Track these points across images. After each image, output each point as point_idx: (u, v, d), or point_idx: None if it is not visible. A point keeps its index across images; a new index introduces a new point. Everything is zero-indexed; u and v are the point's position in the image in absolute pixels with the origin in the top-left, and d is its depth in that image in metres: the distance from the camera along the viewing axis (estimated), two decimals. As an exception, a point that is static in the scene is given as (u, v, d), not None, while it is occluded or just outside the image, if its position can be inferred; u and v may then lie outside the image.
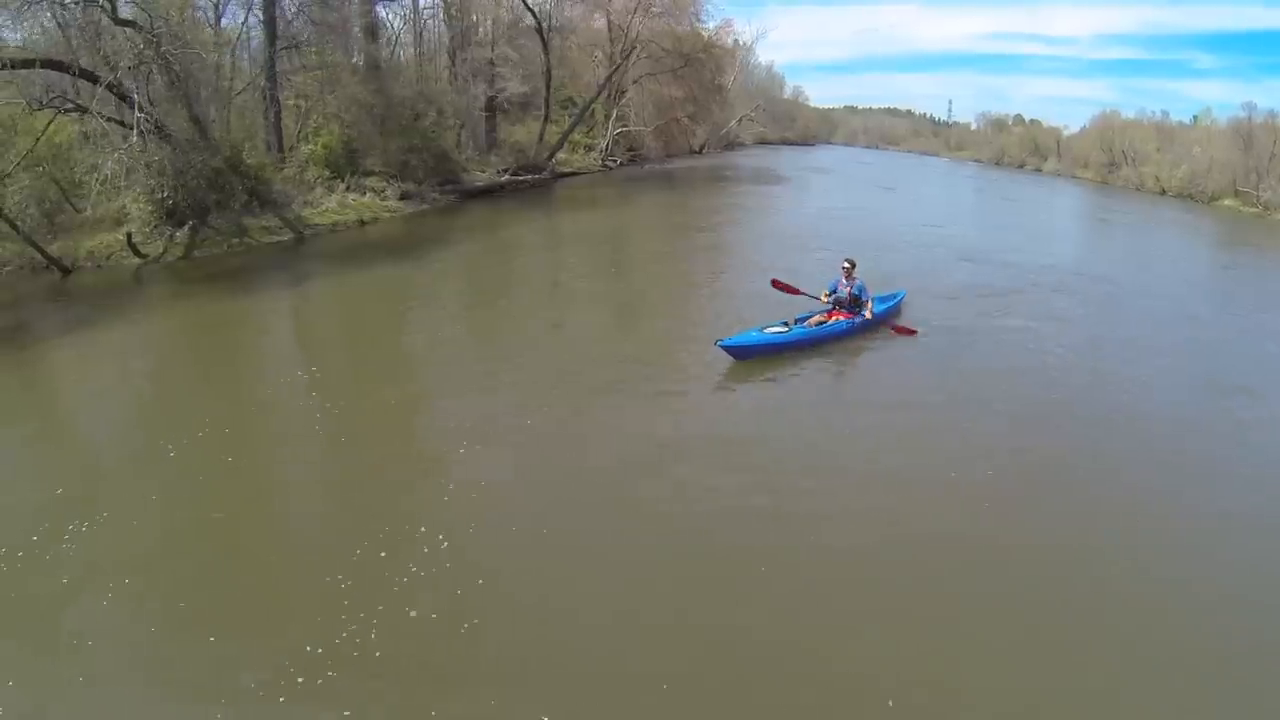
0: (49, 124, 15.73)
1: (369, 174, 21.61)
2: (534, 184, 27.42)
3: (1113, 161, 51.24)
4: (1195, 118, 52.89)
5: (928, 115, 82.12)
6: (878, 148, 75.51)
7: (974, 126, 70.22)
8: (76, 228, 15.96)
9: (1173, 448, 8.30)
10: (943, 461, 7.36)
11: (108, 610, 5.01)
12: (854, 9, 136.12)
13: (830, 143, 77.53)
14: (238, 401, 8.75)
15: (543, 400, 8.46)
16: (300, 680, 4.37)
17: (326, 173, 20.25)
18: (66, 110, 16.08)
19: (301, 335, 12.43)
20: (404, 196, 21.52)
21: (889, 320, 11.55)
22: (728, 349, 9.28)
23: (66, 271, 14.71)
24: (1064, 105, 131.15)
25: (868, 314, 10.94)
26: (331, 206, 19.35)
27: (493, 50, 28.20)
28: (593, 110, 34.05)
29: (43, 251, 14.63)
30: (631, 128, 34.16)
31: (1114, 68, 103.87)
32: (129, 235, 15.63)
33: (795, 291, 11.15)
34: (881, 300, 11.71)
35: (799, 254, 17.74)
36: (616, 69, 31.30)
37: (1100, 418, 8.84)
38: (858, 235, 20.10)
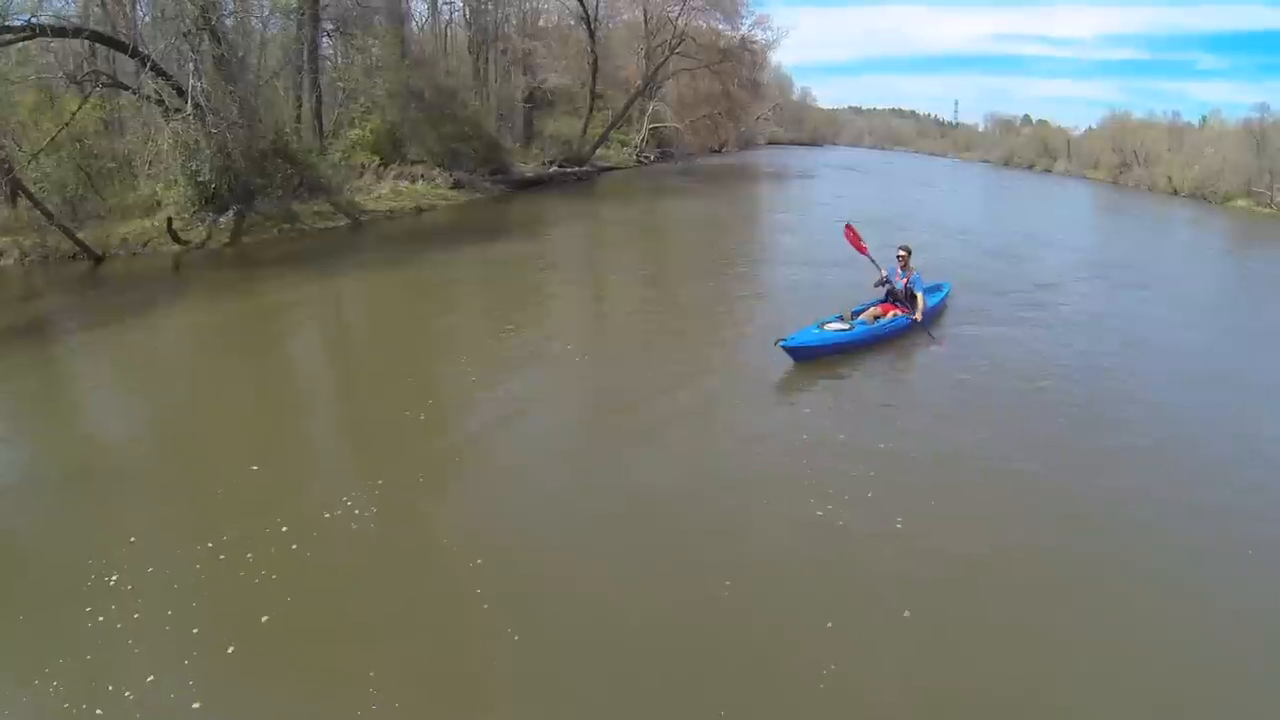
0: (83, 103, 13.82)
1: (417, 161, 19.60)
2: (579, 177, 25.45)
3: (1124, 162, 49.33)
4: (1204, 118, 50.90)
5: (932, 116, 79.78)
6: (884, 148, 73.30)
7: (981, 128, 68.27)
8: (104, 215, 14.13)
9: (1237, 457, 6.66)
10: (1004, 474, 6.02)
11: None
12: (856, 10, 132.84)
13: (836, 144, 75.09)
14: (290, 399, 7.31)
15: (598, 404, 7.24)
16: None
17: (376, 159, 18.24)
18: (105, 85, 14.10)
19: (366, 328, 10.43)
20: (456, 185, 19.57)
21: (932, 323, 9.89)
22: (788, 350, 7.92)
23: (99, 259, 12.94)
24: (1067, 106, 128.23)
25: (917, 315, 9.41)
26: (384, 193, 17.38)
27: (523, 41, 26.21)
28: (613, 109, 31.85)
29: (74, 238, 12.88)
30: (668, 124, 32.06)
31: (1117, 68, 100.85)
32: (169, 220, 13.71)
33: (862, 250, 9.70)
34: (927, 291, 10.04)
35: (872, 239, 16.07)
36: (662, 63, 29.08)
37: (1163, 429, 7.23)
38: (917, 225, 19.12)
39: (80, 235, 12.96)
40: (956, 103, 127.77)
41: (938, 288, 10.62)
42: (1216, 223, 33.18)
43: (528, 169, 23.84)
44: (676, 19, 28.14)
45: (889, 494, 5.49)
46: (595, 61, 26.72)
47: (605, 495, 5.51)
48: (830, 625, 4.12)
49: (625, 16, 30.74)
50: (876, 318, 9.15)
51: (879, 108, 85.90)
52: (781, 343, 7.84)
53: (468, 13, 26.34)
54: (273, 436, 6.31)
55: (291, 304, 10.74)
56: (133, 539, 4.59)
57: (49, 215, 12.62)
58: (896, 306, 9.37)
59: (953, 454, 6.25)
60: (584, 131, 27.00)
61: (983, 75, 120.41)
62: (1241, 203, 40.81)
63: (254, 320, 9.95)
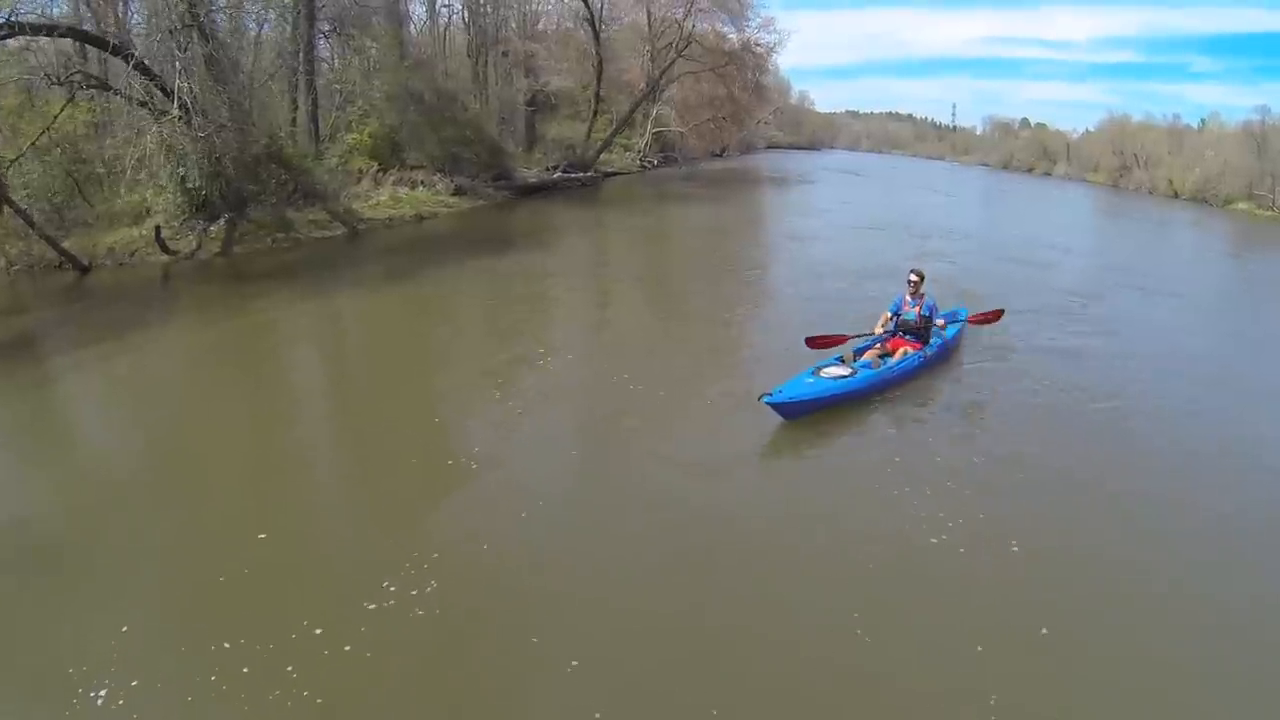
0: (65, 104, 13.04)
1: (417, 167, 18.79)
2: (584, 182, 24.69)
3: (1124, 165, 49.16)
4: (1203, 121, 50.81)
5: (928, 119, 79.49)
6: (881, 152, 72.90)
7: (979, 131, 68.10)
8: (92, 223, 13.38)
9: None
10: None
11: None
12: (852, 14, 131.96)
13: (833, 147, 74.66)
14: (296, 437, 6.51)
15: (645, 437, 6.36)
16: None
17: (374, 164, 17.42)
18: (90, 86, 13.28)
19: (369, 350, 9.60)
20: (458, 191, 18.75)
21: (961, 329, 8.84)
22: (775, 406, 6.42)
23: (84, 270, 12.20)
24: (1062, 109, 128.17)
25: (945, 326, 8.28)
26: (383, 200, 16.56)
27: (523, 43, 25.49)
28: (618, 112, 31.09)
29: (58, 247, 12.13)
30: (672, 128, 31.31)
31: (1112, 71, 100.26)
32: (157, 229, 12.95)
33: (839, 340, 8.03)
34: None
35: (889, 246, 15.91)
36: (669, 65, 28.24)
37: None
38: (932, 232, 18.81)
39: (66, 244, 12.23)
40: (954, 106, 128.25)
41: (953, 315, 9.04)
42: (1222, 226, 33.20)
43: (530, 174, 23.06)
44: (683, 20, 27.39)
45: (997, 519, 5.17)
46: (600, 63, 25.97)
47: (703, 544, 4.84)
48: (980, 649, 3.92)
49: (628, 19, 30.01)
50: (883, 357, 7.77)
51: (874, 111, 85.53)
52: (766, 398, 6.35)
53: (466, 15, 25.61)
54: (281, 488, 5.50)
55: (287, 321, 9.97)
56: (125, 629, 3.79)
57: (30, 222, 11.88)
58: (907, 342, 8.00)
59: (1041, 476, 5.92)
60: (588, 136, 26.24)
61: (977, 79, 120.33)
62: (1243, 205, 40.67)
63: (248, 341, 9.17)
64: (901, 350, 7.85)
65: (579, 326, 10.38)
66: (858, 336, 8.15)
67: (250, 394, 7.49)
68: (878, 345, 7.97)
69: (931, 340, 8.13)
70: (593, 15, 25.69)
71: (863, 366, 7.44)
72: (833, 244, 16.70)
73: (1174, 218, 34.10)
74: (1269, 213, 38.57)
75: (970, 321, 8.77)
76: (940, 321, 8.22)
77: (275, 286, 11.57)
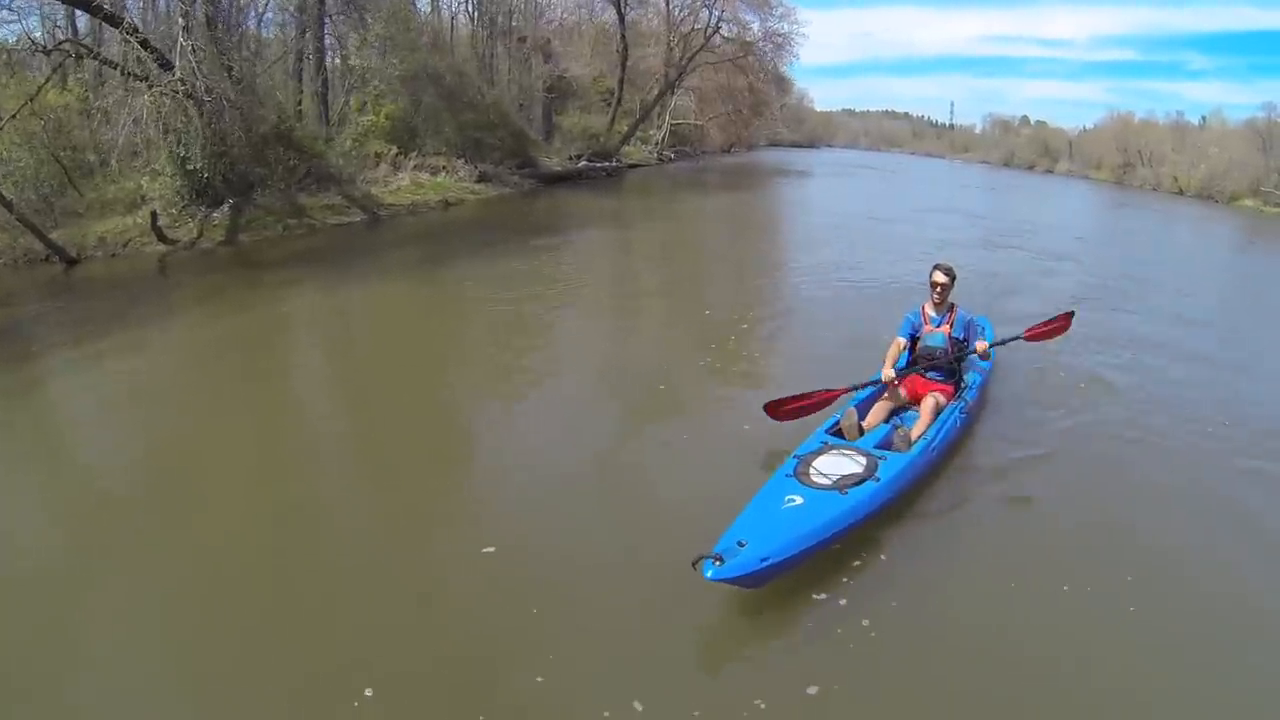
0: (51, 75, 11.32)
1: (436, 152, 16.99)
2: (609, 173, 22.99)
3: (1128, 162, 47.91)
4: (1204, 118, 49.57)
5: (926, 118, 77.71)
6: (880, 150, 71.08)
7: (978, 129, 66.48)
8: (83, 213, 11.63)
9: None
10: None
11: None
12: (849, 13, 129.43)
13: (831, 145, 72.81)
14: (330, 472, 4.84)
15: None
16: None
17: (392, 149, 15.60)
18: (80, 56, 11.56)
19: (395, 349, 7.60)
20: (482, 178, 16.96)
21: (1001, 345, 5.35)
22: (734, 581, 3.18)
23: (72, 262, 10.52)
24: (1060, 107, 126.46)
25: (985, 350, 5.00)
26: (404, 185, 14.80)
27: (536, 31, 23.71)
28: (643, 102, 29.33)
29: (42, 236, 10.43)
30: (691, 121, 29.58)
31: (1110, 69, 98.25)
32: (153, 215, 11.17)
33: (820, 400, 4.78)
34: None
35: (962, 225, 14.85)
36: (695, 53, 26.41)
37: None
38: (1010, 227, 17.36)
39: (56, 235, 10.57)
40: (952, 104, 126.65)
41: (978, 328, 5.30)
42: (1239, 222, 31.90)
43: (554, 163, 21.34)
44: (713, 5, 25.62)
45: None
46: (625, 50, 24.09)
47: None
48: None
49: (641, 11, 28.15)
50: (898, 412, 4.82)
51: (871, 110, 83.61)
52: (710, 570, 3.09)
53: (471, 5, 23.72)
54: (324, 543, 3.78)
55: (301, 315, 8.26)
56: None
57: (9, 207, 10.12)
58: (932, 383, 4.91)
59: None
60: (610, 124, 24.43)
61: (974, 77, 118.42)
62: (1249, 202, 39.33)
63: (256, 337, 7.41)
64: (932, 400, 4.65)
65: (633, 329, 8.56)
66: (850, 390, 4.84)
67: (257, 409, 5.65)
68: (889, 389, 4.86)
69: (966, 378, 5.08)
70: (617, -1, 23.81)
71: (873, 440, 4.33)
72: (910, 224, 15.68)
73: (1188, 214, 32.77)
74: (1276, 209, 37.31)
75: (1031, 337, 5.29)
76: (981, 345, 4.93)
77: (287, 277, 9.81)
